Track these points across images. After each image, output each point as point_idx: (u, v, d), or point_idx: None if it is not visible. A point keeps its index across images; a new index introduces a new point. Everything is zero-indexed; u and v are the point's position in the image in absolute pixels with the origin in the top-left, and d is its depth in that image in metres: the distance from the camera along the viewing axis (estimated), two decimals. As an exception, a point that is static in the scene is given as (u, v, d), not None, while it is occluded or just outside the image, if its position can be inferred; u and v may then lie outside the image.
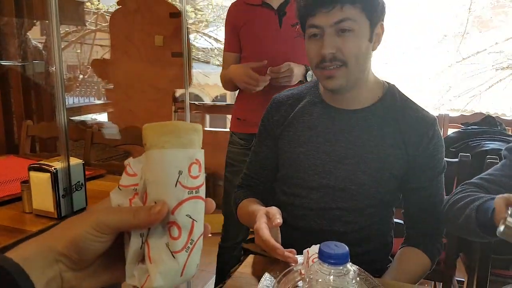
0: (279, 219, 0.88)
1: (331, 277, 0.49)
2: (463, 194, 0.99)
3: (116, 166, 2.03)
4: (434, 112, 2.79)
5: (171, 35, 3.23)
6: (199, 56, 6.60)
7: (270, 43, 1.63)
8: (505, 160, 1.01)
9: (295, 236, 1.05)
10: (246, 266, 0.93)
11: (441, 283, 1.56)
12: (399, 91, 1.09)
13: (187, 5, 6.78)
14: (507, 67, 5.45)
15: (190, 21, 6.74)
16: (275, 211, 0.92)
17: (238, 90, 1.77)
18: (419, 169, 1.03)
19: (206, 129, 3.41)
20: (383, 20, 1.02)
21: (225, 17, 1.74)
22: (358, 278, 0.52)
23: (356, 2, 0.94)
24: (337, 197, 1.04)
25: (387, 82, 1.10)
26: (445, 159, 1.42)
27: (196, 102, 3.48)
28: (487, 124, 1.68)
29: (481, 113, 2.47)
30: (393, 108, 1.05)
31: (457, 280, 1.66)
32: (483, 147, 1.48)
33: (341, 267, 0.50)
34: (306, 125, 1.09)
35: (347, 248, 0.50)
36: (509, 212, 0.74)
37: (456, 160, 1.36)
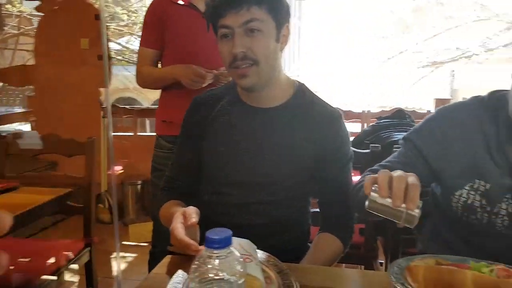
0: (194, 219, 0.88)
1: (217, 260, 0.52)
2: (361, 179, 1.06)
3: (32, 177, 1.91)
4: (359, 109, 2.96)
5: (97, 38, 3.12)
6: (134, 59, 6.42)
7: (197, 44, 1.64)
8: (401, 148, 1.10)
9: None
10: (161, 267, 0.93)
11: (363, 266, 1.66)
12: (308, 89, 1.16)
13: (117, 6, 6.60)
14: (427, 65, 5.91)
15: (122, 23, 6.54)
16: (191, 210, 0.92)
17: (160, 92, 1.76)
18: (328, 160, 1.10)
19: (139, 134, 3.32)
20: (288, 22, 1.07)
21: None
22: (241, 259, 0.55)
23: (262, 3, 0.99)
24: (257, 191, 1.09)
25: (298, 81, 1.16)
26: (359, 150, 1.52)
27: (128, 106, 3.38)
28: (398, 117, 1.83)
29: (400, 108, 2.64)
30: (303, 105, 1.11)
31: (380, 262, 1.78)
32: (392, 138, 1.61)
33: (225, 250, 0.52)
34: (226, 124, 1.12)
35: (230, 232, 0.53)
36: (373, 188, 0.80)
37: (368, 151, 1.47)
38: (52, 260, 1.55)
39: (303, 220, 1.20)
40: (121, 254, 2.59)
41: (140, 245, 2.80)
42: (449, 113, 1.04)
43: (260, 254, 0.90)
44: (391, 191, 0.77)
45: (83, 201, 1.67)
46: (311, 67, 3.69)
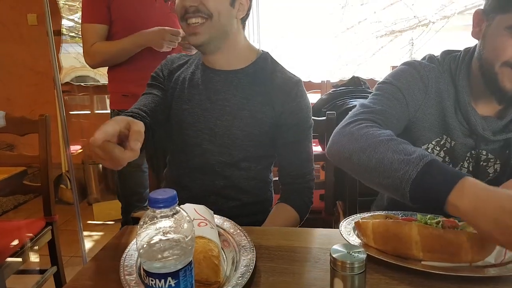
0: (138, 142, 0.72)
1: (162, 220, 0.52)
2: (377, 132, 0.87)
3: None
4: (319, 79, 3.00)
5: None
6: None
7: (146, 16, 1.62)
8: (380, 92, 1.02)
9: (181, 195, 1.09)
10: (117, 238, 0.92)
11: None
12: (272, 58, 1.19)
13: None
14: (385, 35, 6.00)
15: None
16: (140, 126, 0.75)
17: (108, 68, 1.74)
18: (285, 125, 1.13)
19: (96, 112, 3.19)
20: None
21: None
22: (188, 218, 0.56)
23: None
24: (216, 152, 1.13)
25: (263, 50, 1.20)
26: (316, 118, 1.54)
27: (83, 84, 3.25)
28: (353, 84, 1.86)
29: (355, 76, 2.69)
30: (263, 70, 1.15)
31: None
32: (348, 105, 1.64)
33: (170, 209, 0.52)
34: (190, 84, 1.16)
35: (174, 191, 0.54)
36: None
37: (324, 118, 1.50)
38: (13, 240, 1.53)
39: (262, 186, 1.22)
40: (88, 233, 2.60)
41: (106, 224, 2.78)
42: (422, 65, 1.01)
43: (217, 218, 0.92)
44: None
45: (40, 180, 1.62)
46: (270, 38, 3.69)
